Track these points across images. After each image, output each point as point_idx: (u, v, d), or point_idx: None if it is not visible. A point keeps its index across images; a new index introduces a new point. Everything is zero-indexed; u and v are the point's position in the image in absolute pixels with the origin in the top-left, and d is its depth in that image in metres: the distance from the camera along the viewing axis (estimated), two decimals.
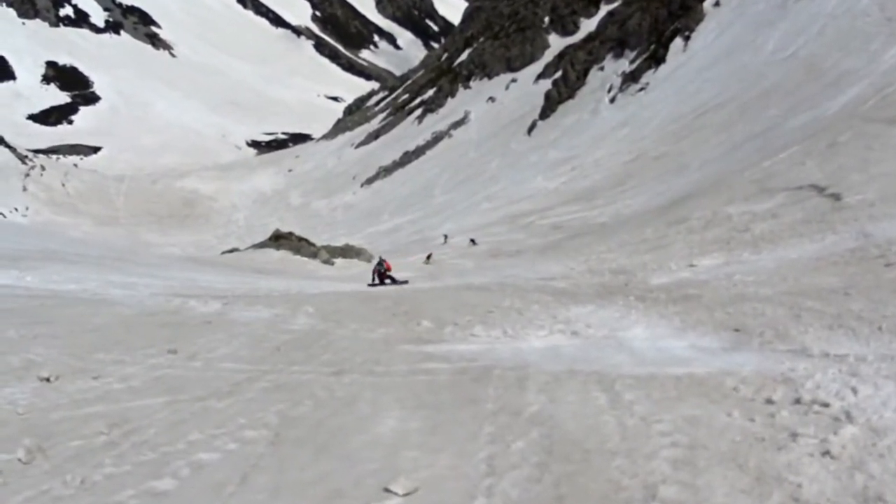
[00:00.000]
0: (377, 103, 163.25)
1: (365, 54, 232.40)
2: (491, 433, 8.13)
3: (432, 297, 22.87)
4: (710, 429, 7.69)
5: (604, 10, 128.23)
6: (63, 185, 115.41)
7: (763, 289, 16.98)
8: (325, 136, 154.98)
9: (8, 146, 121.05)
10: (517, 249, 48.91)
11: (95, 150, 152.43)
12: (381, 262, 26.88)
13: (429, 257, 50.41)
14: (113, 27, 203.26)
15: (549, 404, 9.17)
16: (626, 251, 32.46)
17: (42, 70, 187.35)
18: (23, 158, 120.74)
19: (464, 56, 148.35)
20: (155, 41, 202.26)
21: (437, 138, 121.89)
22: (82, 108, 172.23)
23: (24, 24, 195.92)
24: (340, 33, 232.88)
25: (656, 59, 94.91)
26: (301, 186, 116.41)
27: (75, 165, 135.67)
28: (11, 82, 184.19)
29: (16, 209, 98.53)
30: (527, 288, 23.64)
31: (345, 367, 11.95)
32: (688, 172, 54.64)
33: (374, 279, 26.79)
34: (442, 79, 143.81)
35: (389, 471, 7.16)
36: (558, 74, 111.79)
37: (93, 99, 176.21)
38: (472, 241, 54.76)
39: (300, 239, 53.15)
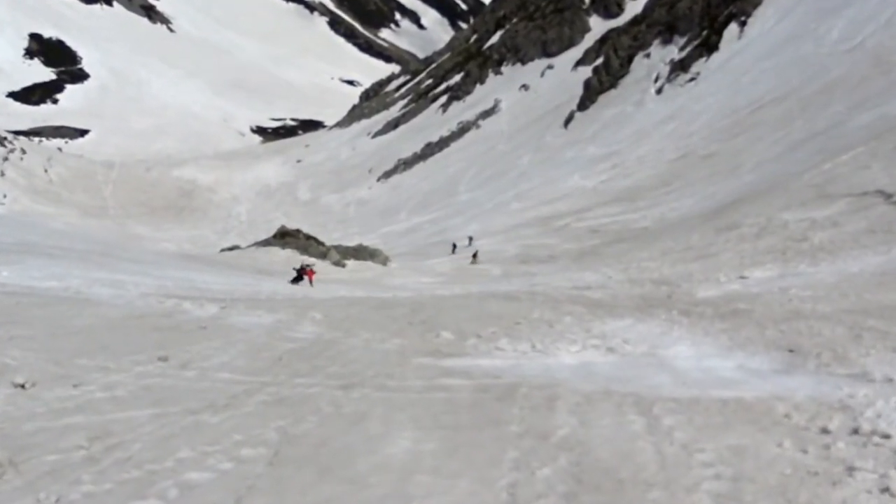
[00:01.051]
0: (397, 89, 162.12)
1: (385, 34, 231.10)
2: (515, 458, 7.95)
3: (453, 305, 22.55)
4: (757, 460, 7.57)
5: None
6: (45, 170, 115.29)
7: (821, 305, 16.90)
8: (339, 124, 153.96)
9: None
10: (549, 255, 48.79)
11: (82, 132, 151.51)
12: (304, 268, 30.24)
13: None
14: None
15: (580, 428, 9.02)
16: (670, 259, 32.54)
17: (25, 43, 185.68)
18: (1, 140, 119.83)
19: (495, 38, 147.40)
20: (151, 14, 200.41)
21: (463, 129, 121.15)
22: (69, 86, 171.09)
23: None
24: (358, 10, 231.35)
25: (708, 47, 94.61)
26: (311, 179, 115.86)
27: (59, 149, 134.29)
28: None
29: None
30: (559, 298, 23.50)
31: (354, 380, 11.80)
32: (740, 174, 54.48)
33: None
34: (470, 63, 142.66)
35: (400, 497, 7.02)
36: (600, 61, 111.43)
37: (81, 76, 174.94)
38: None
39: (308, 237, 52.84)
